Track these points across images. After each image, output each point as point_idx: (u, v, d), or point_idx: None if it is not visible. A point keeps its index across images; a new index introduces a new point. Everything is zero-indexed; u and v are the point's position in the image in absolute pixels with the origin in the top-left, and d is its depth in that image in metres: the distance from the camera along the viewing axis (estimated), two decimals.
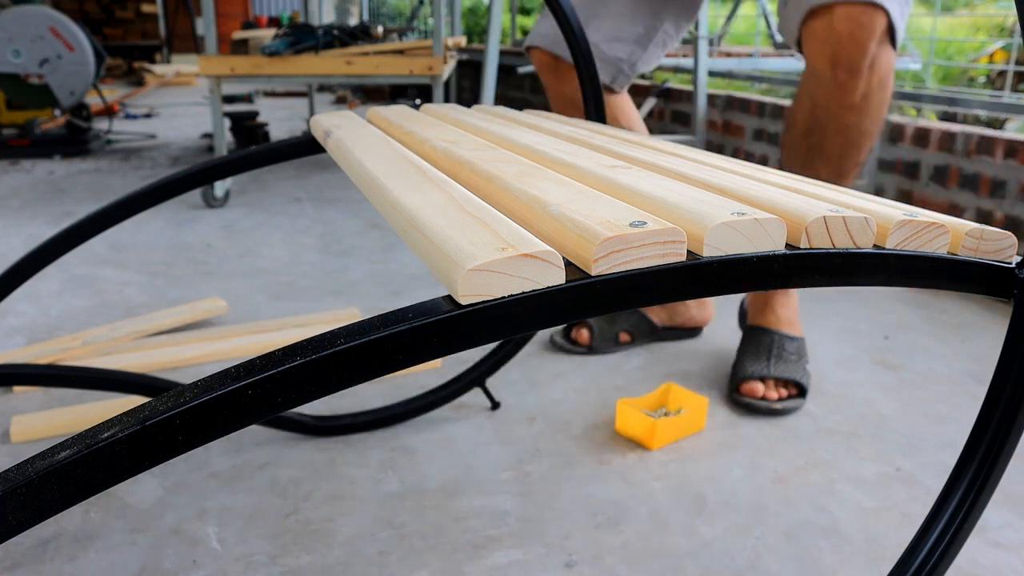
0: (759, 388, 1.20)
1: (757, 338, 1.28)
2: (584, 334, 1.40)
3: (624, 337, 1.43)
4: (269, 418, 1.07)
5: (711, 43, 3.05)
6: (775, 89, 3.11)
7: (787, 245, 0.44)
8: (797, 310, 1.32)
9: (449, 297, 0.39)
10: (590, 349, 1.40)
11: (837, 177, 1.15)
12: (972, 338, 1.52)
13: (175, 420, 0.34)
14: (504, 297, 0.38)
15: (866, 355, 1.43)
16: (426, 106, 1.01)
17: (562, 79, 1.32)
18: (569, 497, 0.99)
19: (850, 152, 1.10)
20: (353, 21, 5.85)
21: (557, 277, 0.39)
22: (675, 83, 3.32)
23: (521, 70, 3.44)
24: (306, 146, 0.93)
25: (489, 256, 0.38)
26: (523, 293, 0.38)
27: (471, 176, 0.57)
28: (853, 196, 0.55)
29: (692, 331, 1.50)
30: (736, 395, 1.22)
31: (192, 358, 1.36)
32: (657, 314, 1.46)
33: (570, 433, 1.15)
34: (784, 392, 1.21)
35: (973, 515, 0.62)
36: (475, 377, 1.19)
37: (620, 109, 1.38)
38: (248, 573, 0.85)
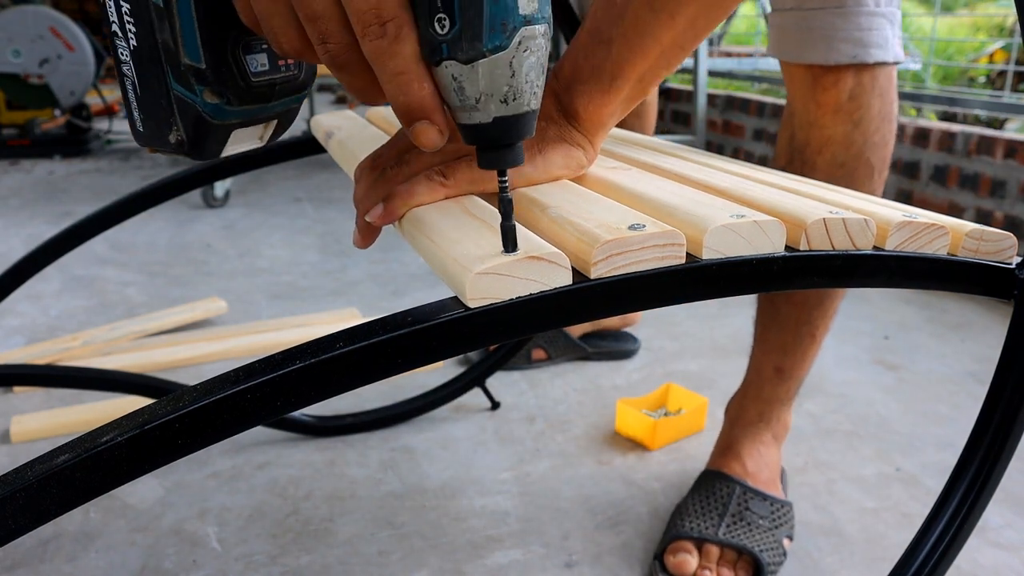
0: (689, 564, 0.85)
1: (710, 486, 0.93)
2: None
3: (538, 354, 1.35)
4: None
5: (711, 43, 3.05)
6: (775, 89, 3.11)
7: (786, 247, 0.44)
8: (778, 467, 0.97)
9: (455, 298, 0.39)
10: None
11: None
12: (972, 338, 1.52)
13: (174, 424, 0.34)
14: (511, 300, 0.38)
15: (866, 355, 1.43)
16: None
17: None
18: (569, 497, 0.99)
19: (846, 185, 0.76)
20: None
21: (564, 278, 0.39)
22: (675, 83, 3.32)
23: None
24: (306, 146, 0.93)
25: (496, 259, 0.38)
26: (529, 295, 0.38)
27: None
28: (852, 197, 0.54)
29: (622, 341, 1.40)
30: (657, 568, 0.86)
31: (192, 358, 1.36)
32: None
33: (570, 433, 1.15)
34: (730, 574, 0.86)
35: (973, 515, 0.61)
36: (475, 377, 1.19)
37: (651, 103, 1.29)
38: (248, 573, 0.85)
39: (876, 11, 0.77)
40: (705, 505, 0.90)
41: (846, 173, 0.81)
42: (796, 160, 0.83)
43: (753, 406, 0.95)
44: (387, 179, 0.49)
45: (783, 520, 0.90)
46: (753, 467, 0.94)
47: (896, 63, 0.80)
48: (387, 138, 0.73)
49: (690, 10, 0.49)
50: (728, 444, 0.96)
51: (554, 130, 0.51)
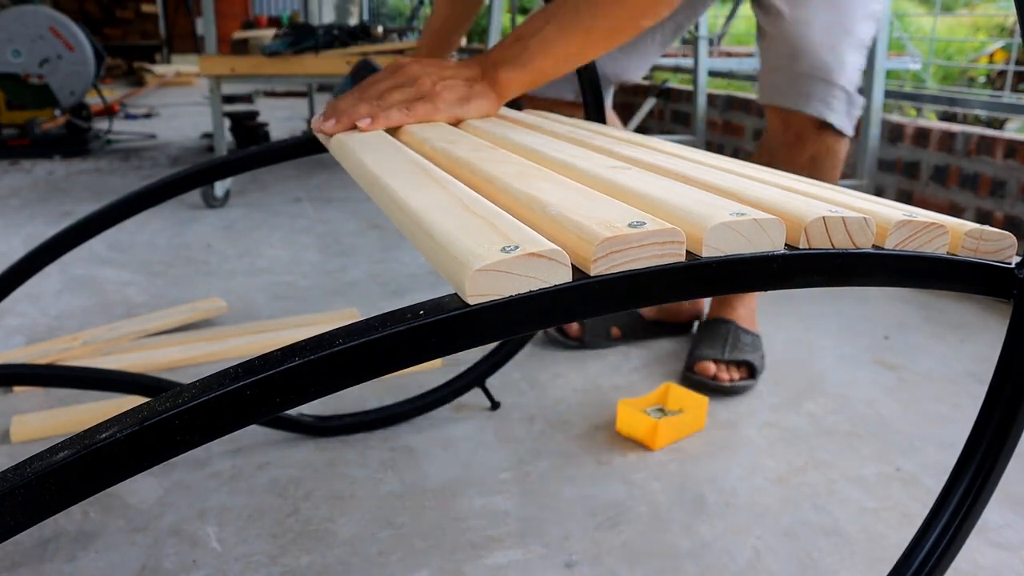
0: (711, 368, 1.26)
1: (715, 328, 1.35)
2: (574, 327, 1.41)
3: (615, 332, 1.44)
4: (268, 418, 1.07)
5: (711, 43, 3.05)
6: None
7: (786, 245, 0.44)
8: (756, 311, 1.40)
9: (455, 295, 0.39)
10: (581, 343, 1.42)
11: None
12: (972, 338, 1.52)
13: (174, 420, 0.34)
14: (510, 296, 0.38)
15: (866, 355, 1.43)
16: None
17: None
18: (569, 497, 0.99)
19: None
20: (353, 21, 5.85)
21: (564, 275, 0.39)
22: (675, 83, 3.32)
23: None
24: (306, 146, 0.93)
25: (495, 256, 0.38)
26: (528, 292, 0.38)
27: (470, 177, 0.57)
28: (852, 196, 0.55)
29: (684, 325, 1.50)
30: (689, 373, 1.28)
31: (192, 358, 1.36)
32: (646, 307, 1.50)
33: (570, 433, 1.15)
34: (736, 375, 1.26)
35: (973, 515, 0.61)
36: (475, 377, 1.19)
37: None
38: (248, 573, 0.85)
39: (835, 83, 1.16)
40: (712, 340, 1.31)
41: None
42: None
43: None
44: (369, 104, 0.76)
45: (759, 346, 1.33)
46: (743, 311, 1.36)
47: (844, 135, 1.20)
48: (387, 137, 0.74)
49: (589, 34, 0.77)
50: (724, 298, 1.37)
51: (479, 88, 0.79)
